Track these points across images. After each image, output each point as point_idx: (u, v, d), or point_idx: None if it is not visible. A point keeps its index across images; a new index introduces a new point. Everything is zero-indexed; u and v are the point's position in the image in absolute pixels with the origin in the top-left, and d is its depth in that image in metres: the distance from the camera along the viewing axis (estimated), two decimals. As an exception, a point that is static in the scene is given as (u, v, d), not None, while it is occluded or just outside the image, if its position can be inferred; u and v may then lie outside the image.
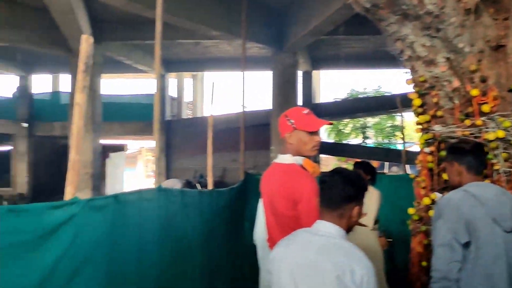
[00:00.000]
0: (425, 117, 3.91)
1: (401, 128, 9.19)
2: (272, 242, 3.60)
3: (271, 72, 15.49)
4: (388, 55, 15.86)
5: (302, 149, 3.43)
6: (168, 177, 21.59)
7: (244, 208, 8.73)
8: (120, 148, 25.40)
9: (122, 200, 4.51)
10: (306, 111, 3.45)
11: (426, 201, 3.93)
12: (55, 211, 3.45)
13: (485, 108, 3.58)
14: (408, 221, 4.48)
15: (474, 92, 3.61)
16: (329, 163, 30.81)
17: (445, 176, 3.82)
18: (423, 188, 4.04)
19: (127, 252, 4.44)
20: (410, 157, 20.41)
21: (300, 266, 2.49)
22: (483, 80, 3.62)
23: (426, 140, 3.95)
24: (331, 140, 26.47)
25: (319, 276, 2.42)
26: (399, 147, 28.60)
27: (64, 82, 24.61)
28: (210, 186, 7.28)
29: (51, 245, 3.33)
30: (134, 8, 11.03)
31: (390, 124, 26.76)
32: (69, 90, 17.24)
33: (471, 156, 3.24)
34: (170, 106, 22.91)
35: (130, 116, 22.16)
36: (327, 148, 22.99)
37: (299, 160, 3.43)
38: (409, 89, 4.09)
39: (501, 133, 3.54)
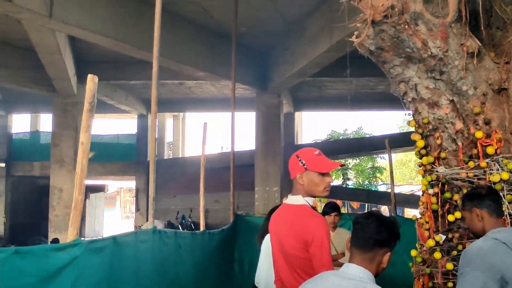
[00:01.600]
0: (429, 159, 3.93)
1: (389, 169, 9.15)
2: (281, 283, 3.54)
3: (255, 112, 15.60)
4: (369, 96, 16.22)
5: (313, 190, 3.39)
6: (149, 217, 21.36)
7: (233, 249, 8.66)
8: (100, 189, 25.19)
9: (120, 242, 4.45)
10: (317, 151, 3.40)
11: (431, 243, 3.92)
12: (58, 253, 3.38)
13: (490, 150, 3.61)
14: (410, 263, 4.46)
15: (479, 134, 3.64)
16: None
17: (450, 217, 3.83)
18: (427, 230, 4.03)
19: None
20: (390, 199, 20.43)
21: None
22: (487, 122, 3.66)
23: (430, 181, 3.96)
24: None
25: None
26: (380, 188, 28.76)
27: (44, 121, 24.47)
28: (202, 227, 7.21)
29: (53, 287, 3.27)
30: (123, 49, 11.08)
31: (370, 166, 26.93)
32: (49, 129, 17.17)
33: (489, 199, 3.20)
34: (151, 146, 22.81)
35: (111, 156, 21.99)
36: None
37: (309, 201, 3.40)
38: (391, 130, 4.13)
39: (505, 175, 3.56)
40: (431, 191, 3.96)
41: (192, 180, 16.00)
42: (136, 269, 4.72)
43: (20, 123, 26.56)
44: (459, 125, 3.79)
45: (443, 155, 3.88)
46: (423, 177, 4.05)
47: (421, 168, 4.08)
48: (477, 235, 3.23)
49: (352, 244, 2.60)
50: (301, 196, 3.37)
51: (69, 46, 13.30)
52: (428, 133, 3.96)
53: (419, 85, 3.82)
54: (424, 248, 4.12)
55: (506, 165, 3.58)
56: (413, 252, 4.29)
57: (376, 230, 2.53)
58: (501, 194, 3.61)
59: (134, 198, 22.92)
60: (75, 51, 13.98)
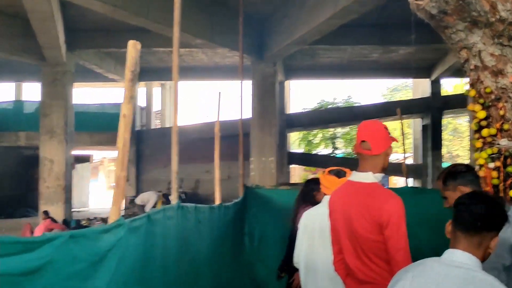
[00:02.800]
0: (491, 131, 3.69)
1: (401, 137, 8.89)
2: (344, 266, 3.32)
3: (250, 81, 15.27)
4: (362, 64, 16.10)
5: (386, 165, 3.18)
6: (138, 188, 21.11)
7: (244, 223, 8.44)
8: (86, 159, 24.74)
9: (152, 219, 4.22)
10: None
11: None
12: (105, 235, 3.13)
13: (562, 122, 3.39)
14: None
15: (550, 104, 3.42)
16: (296, 173, 30.73)
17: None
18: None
19: (155, 271, 4.25)
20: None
21: None
22: (559, 91, 3.43)
23: (490, 155, 3.73)
24: (301, 151, 26.33)
25: None
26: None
27: (27, 91, 23.91)
28: (217, 201, 6.95)
29: (101, 272, 3.03)
30: (120, 15, 10.69)
31: (359, 134, 26.79)
32: (33, 99, 16.67)
33: (471, 175, 3.29)
34: (139, 116, 22.42)
35: (98, 126, 21.55)
36: (297, 158, 22.89)
37: (380, 177, 3.17)
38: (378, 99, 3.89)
39: None
40: (491, 165, 3.74)
41: (182, 150, 15.74)
42: (164, 247, 4.53)
43: (1, 93, 25.99)
44: (525, 94, 3.56)
45: (506, 126, 3.64)
46: (482, 150, 3.81)
47: (479, 140, 3.85)
48: None
49: (456, 227, 2.36)
50: (371, 172, 3.13)
51: (61, 13, 12.81)
52: (490, 103, 3.71)
53: (484, 52, 3.56)
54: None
55: None
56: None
57: (484, 212, 2.29)
58: None
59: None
60: (65, 19, 13.50)
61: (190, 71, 20.08)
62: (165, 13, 11.00)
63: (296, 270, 5.78)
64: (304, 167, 27.88)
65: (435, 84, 20.43)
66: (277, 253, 8.35)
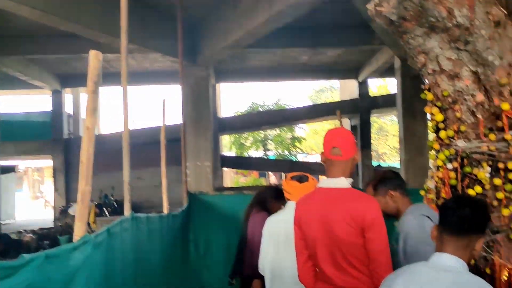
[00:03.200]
0: (448, 133, 3.79)
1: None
2: (309, 277, 3.34)
3: (181, 86, 15.12)
4: (292, 67, 16.29)
5: (353, 170, 3.26)
6: (68, 198, 20.51)
7: (188, 230, 8.37)
8: (11, 169, 23.82)
9: (112, 233, 4.14)
10: None
11: (448, 218, 3.80)
12: (75, 252, 3.04)
13: (517, 122, 3.52)
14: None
15: (505, 106, 3.54)
16: (227, 176, 30.75)
17: (471, 192, 3.72)
18: (443, 205, 3.91)
19: (115, 286, 4.16)
20: (313, 168, 20.74)
21: None
22: (513, 93, 3.56)
23: (447, 156, 3.83)
24: (233, 154, 26.36)
25: None
26: (299, 158, 29.12)
27: None
28: (165, 210, 6.85)
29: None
30: (50, 21, 10.31)
31: (290, 136, 27.12)
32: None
33: (398, 180, 3.69)
34: (67, 123, 21.79)
35: (24, 135, 20.78)
36: (230, 162, 22.89)
37: (350, 182, 3.22)
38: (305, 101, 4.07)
39: (531, 148, 3.48)
40: (449, 166, 3.84)
41: (113, 157, 15.44)
42: (122, 260, 4.46)
43: None
44: (480, 97, 3.68)
45: (462, 128, 3.75)
46: (439, 151, 3.91)
47: (437, 142, 3.95)
48: (393, 216, 3.75)
49: (443, 231, 2.41)
50: (344, 178, 3.18)
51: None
52: (447, 106, 3.81)
53: (441, 56, 3.66)
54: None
55: (531, 137, 3.50)
56: (422, 228, 4.20)
57: (470, 215, 2.35)
58: (525, 166, 3.55)
59: (52, 177, 21.84)
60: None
61: (118, 77, 19.62)
62: (97, 18, 10.76)
63: (249, 277, 5.78)
64: (236, 170, 27.93)
65: (363, 85, 20.90)
66: (223, 259, 8.35)
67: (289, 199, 4.26)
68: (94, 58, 3.11)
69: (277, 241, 4.21)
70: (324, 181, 3.31)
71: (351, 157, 3.25)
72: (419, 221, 3.55)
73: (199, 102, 14.82)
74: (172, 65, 16.95)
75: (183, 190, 8.70)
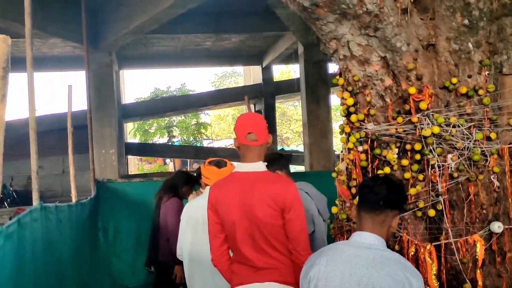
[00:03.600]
0: (359, 116, 3.94)
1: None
2: (224, 260, 3.40)
3: (85, 72, 14.72)
4: (195, 53, 16.30)
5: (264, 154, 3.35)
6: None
7: (97, 218, 8.21)
8: None
9: (22, 224, 4.03)
10: None
11: (360, 199, 3.95)
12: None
13: (423, 105, 3.70)
14: (328, 220, 4.52)
15: (412, 90, 3.71)
16: (131, 163, 30.25)
17: (380, 173, 3.89)
18: (354, 186, 4.07)
19: (27, 277, 4.05)
20: (218, 154, 20.80)
21: (352, 284, 2.32)
22: (419, 78, 3.73)
23: (358, 139, 3.98)
24: (137, 141, 25.98)
25: None
26: (204, 144, 29.12)
27: None
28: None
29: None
30: None
31: (195, 122, 27.05)
32: None
33: (283, 161, 4.00)
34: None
35: None
36: (134, 149, 22.56)
37: (265, 166, 3.30)
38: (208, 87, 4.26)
39: (436, 129, 3.68)
40: (360, 148, 3.99)
41: (11, 147, 14.87)
42: (33, 251, 4.35)
43: None
44: (388, 81, 3.84)
45: (372, 112, 3.91)
46: (350, 134, 4.06)
47: (348, 125, 4.09)
48: None
49: (361, 209, 2.51)
50: (261, 162, 3.24)
51: None
52: (357, 91, 3.95)
53: (352, 42, 3.78)
54: (348, 204, 4.18)
55: (436, 120, 3.70)
56: (334, 209, 4.34)
57: (386, 192, 2.47)
58: (430, 148, 3.74)
59: None
60: None
61: (15, 63, 18.82)
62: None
63: (165, 263, 5.75)
64: (140, 157, 27.56)
65: (266, 71, 21.15)
66: (133, 246, 8.27)
67: (207, 184, 4.26)
68: (2, 42, 2.97)
69: (195, 226, 4.21)
70: (241, 166, 3.36)
71: (265, 142, 3.32)
72: None
73: (102, 89, 14.47)
74: (73, 51, 16.45)
75: (90, 178, 8.50)
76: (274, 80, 22.47)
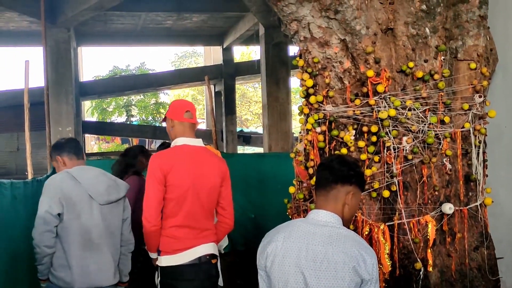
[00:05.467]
0: (318, 98, 3.98)
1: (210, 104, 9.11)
2: (187, 220, 3.71)
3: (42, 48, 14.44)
4: (156, 31, 16.18)
5: None
6: None
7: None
8: None
9: None
10: None
11: (317, 179, 4.01)
12: None
13: (380, 88, 3.77)
14: (285, 200, 4.57)
15: (370, 73, 3.77)
16: (88, 142, 29.90)
17: (337, 153, 3.96)
18: (312, 167, 4.12)
19: None
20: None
21: (308, 260, 2.38)
22: (377, 61, 3.79)
23: (316, 120, 4.04)
24: (95, 119, 25.64)
25: (332, 268, 2.34)
26: (164, 124, 28.90)
27: None
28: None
29: None
30: None
31: (154, 102, 26.83)
32: None
33: (69, 146, 4.14)
34: None
35: None
36: (92, 128, 22.30)
37: None
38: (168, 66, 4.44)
39: (392, 112, 3.75)
40: (318, 129, 4.05)
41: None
42: None
43: None
44: (347, 64, 3.90)
45: (331, 93, 3.96)
46: (309, 115, 4.11)
47: (306, 106, 4.13)
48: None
49: (316, 188, 2.57)
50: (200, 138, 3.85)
51: None
52: (317, 72, 4.00)
53: (312, 24, 3.82)
54: (305, 184, 4.23)
55: (393, 102, 3.77)
56: (292, 189, 4.40)
57: (337, 167, 2.53)
58: (386, 130, 3.82)
59: None
60: None
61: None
62: None
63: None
64: (98, 136, 27.24)
65: (227, 52, 21.09)
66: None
67: None
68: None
69: None
70: (185, 140, 3.73)
71: (198, 123, 3.89)
72: (55, 175, 4.03)
73: (59, 65, 14.28)
74: (30, 26, 16.08)
75: (47, 155, 8.36)
76: (235, 61, 22.42)
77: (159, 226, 3.67)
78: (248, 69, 21.02)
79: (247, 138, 22.72)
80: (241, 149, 24.98)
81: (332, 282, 2.32)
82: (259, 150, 19.82)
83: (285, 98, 14.53)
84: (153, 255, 3.83)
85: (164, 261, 3.72)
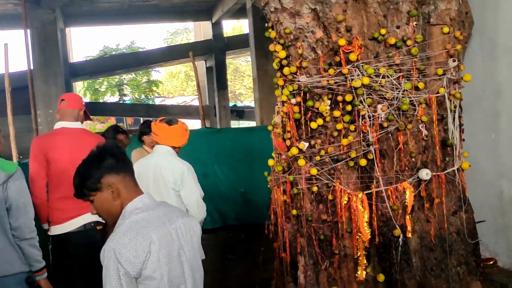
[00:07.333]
0: (291, 69, 3.96)
1: (196, 81, 9.06)
2: (69, 192, 3.77)
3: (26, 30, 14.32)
4: (143, 9, 15.96)
5: (82, 119, 4.44)
6: None
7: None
8: None
9: None
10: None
11: (294, 151, 4.01)
12: None
13: (352, 57, 3.75)
14: (265, 172, 4.57)
15: (341, 41, 3.75)
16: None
17: (313, 125, 3.95)
18: (289, 139, 4.11)
19: None
20: (170, 111, 20.63)
21: None
22: (349, 29, 3.76)
23: (291, 91, 4.01)
24: (87, 100, 25.53)
25: None
26: (156, 101, 28.85)
27: None
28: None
29: None
30: None
31: (146, 80, 26.69)
32: None
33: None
34: None
35: None
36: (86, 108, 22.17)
37: None
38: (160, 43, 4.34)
39: (366, 80, 3.74)
40: (293, 100, 4.03)
41: None
42: None
43: None
44: (319, 33, 3.86)
45: (304, 64, 3.93)
46: (284, 87, 4.09)
47: (281, 78, 4.11)
48: None
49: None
50: (78, 122, 4.37)
51: None
52: (289, 43, 3.97)
53: (282, -6, 3.78)
54: (284, 156, 4.23)
55: (366, 70, 3.75)
56: (271, 162, 4.39)
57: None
58: (361, 98, 3.81)
59: None
60: None
61: None
62: None
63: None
64: (91, 116, 27.18)
65: (216, 26, 20.89)
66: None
67: (157, 142, 4.31)
68: None
69: (146, 183, 4.15)
70: (63, 123, 4.29)
71: (77, 108, 4.33)
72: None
73: (47, 47, 14.15)
74: (15, 8, 15.87)
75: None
76: (225, 36, 22.23)
77: (45, 199, 4.16)
78: (239, 43, 20.84)
79: (240, 113, 22.61)
80: (236, 124, 24.91)
81: None
82: (253, 124, 19.78)
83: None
84: (44, 226, 4.24)
85: (54, 230, 4.19)
